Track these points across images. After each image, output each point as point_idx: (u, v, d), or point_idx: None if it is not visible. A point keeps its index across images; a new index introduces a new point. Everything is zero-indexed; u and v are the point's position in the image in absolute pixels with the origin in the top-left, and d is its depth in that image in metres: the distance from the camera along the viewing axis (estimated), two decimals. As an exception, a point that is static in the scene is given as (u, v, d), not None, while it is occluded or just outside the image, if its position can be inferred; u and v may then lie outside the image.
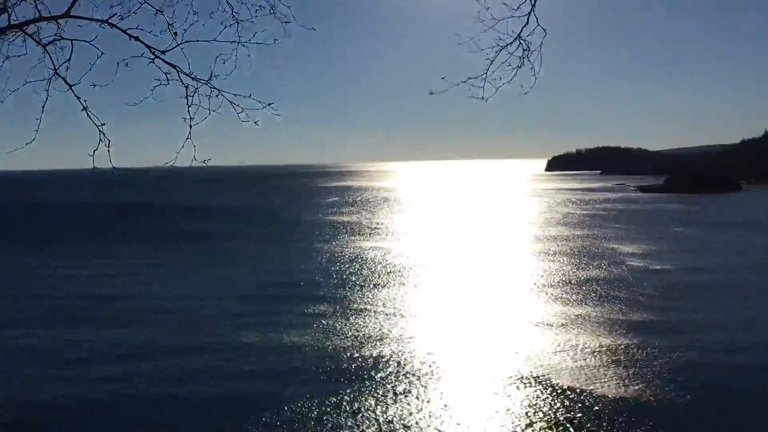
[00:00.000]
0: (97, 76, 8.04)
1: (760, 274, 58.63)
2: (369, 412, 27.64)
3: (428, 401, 28.79)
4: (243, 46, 8.01)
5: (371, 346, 36.89)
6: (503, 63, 8.51)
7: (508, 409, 27.92)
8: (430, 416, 27.17)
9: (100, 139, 8.05)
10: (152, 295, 51.83)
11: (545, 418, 26.91)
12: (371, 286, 54.75)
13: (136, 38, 7.87)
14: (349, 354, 35.48)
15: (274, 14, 8.00)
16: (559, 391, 29.72)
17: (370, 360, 34.47)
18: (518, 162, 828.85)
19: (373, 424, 26.46)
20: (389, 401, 28.79)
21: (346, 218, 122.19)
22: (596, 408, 27.87)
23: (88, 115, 7.97)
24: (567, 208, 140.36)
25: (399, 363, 33.95)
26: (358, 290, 52.84)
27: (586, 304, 47.45)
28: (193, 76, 8.05)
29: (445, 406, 28.25)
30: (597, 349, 35.97)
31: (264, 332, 39.90)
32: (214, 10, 7.98)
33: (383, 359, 34.56)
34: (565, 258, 69.40)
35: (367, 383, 31.05)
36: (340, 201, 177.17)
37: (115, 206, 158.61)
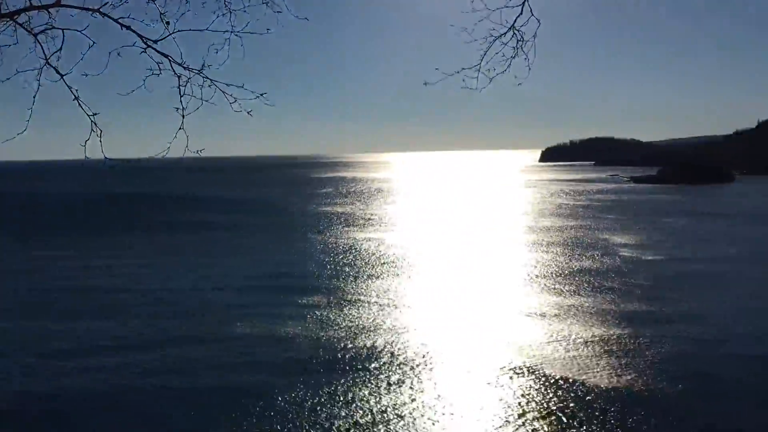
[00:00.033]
0: (88, 65, 7.98)
1: (751, 265, 59.03)
2: (363, 402, 27.78)
3: (422, 391, 28.95)
4: (236, 35, 7.98)
5: (365, 337, 37.02)
6: (497, 53, 8.53)
7: (500, 399, 28.11)
8: (423, 406, 27.33)
9: (92, 129, 8.00)
10: (146, 286, 51.76)
11: (538, 408, 27.11)
12: (365, 276, 54.84)
13: (128, 27, 7.80)
14: (343, 344, 35.60)
15: (266, 4, 7.96)
16: (551, 381, 29.93)
17: (364, 350, 34.61)
18: (512, 153, 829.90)
19: (367, 414, 26.60)
20: (383, 391, 28.94)
21: (340, 209, 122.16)
22: (588, 398, 28.10)
23: (79, 104, 7.92)
24: (560, 199, 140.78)
25: (393, 353, 34.11)
26: (352, 281, 52.93)
27: (578, 294, 47.69)
28: (185, 65, 8.00)
29: (439, 396, 28.42)
30: (589, 340, 36.22)
31: (258, 323, 39.97)
32: (205, -1, 7.92)
33: (377, 350, 34.70)
34: (558, 249, 69.66)
35: (361, 373, 31.18)
36: (335, 192, 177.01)
37: (107, 197, 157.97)
